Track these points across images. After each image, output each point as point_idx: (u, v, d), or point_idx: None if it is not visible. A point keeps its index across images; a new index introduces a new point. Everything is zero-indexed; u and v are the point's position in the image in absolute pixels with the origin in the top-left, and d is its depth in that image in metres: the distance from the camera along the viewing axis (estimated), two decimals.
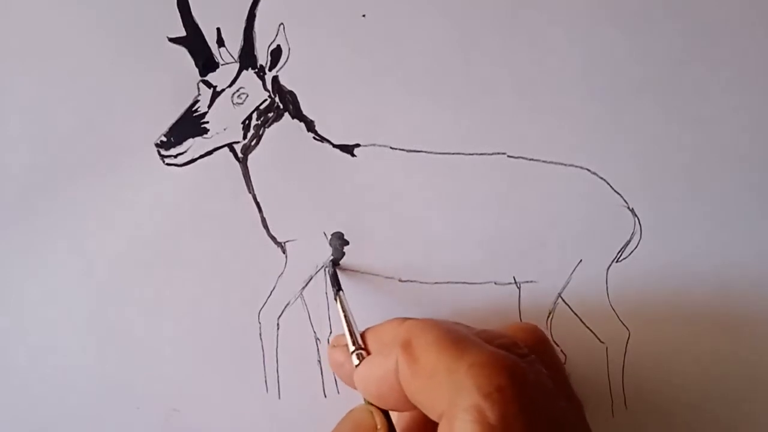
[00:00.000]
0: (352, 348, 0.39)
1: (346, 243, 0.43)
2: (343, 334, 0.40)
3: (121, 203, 0.43)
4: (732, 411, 0.43)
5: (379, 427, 0.36)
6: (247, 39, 0.43)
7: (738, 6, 0.43)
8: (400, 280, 0.43)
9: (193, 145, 0.42)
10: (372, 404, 0.37)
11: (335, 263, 0.43)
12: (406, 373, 0.33)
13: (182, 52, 0.42)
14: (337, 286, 0.41)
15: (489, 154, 0.43)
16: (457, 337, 0.33)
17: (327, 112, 0.43)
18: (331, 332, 0.43)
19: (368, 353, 0.38)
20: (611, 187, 0.43)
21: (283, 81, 0.43)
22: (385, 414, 0.37)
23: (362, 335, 0.39)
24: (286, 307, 0.43)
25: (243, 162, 0.43)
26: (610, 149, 0.43)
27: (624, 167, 0.43)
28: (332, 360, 0.41)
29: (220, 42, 0.42)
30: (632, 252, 0.43)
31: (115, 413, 0.43)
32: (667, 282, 0.43)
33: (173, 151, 0.42)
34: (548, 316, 0.43)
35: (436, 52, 0.43)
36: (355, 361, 0.38)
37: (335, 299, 0.41)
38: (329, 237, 0.43)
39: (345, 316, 0.40)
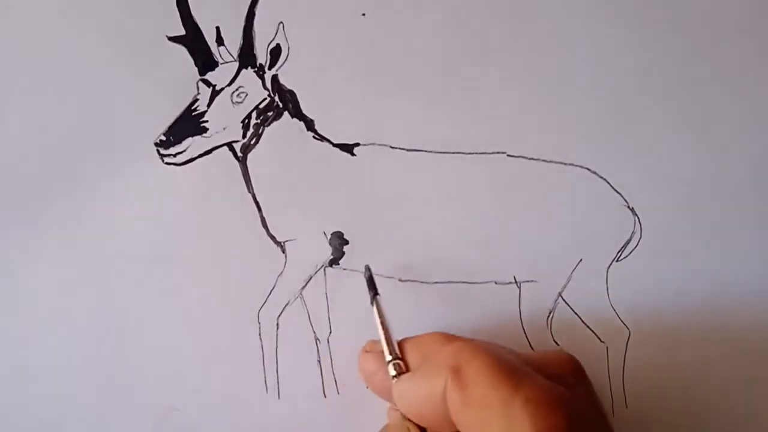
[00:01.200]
0: (389, 357, 0.38)
1: (346, 242, 0.43)
2: (377, 340, 0.39)
3: (121, 203, 0.42)
4: (733, 410, 0.43)
5: None
6: (246, 38, 0.42)
7: (739, 7, 0.43)
8: (400, 280, 0.43)
9: (193, 144, 0.42)
10: (409, 420, 0.36)
11: (368, 269, 0.42)
12: (455, 401, 0.33)
13: (182, 51, 0.42)
14: (374, 291, 0.40)
15: (489, 153, 0.43)
16: (509, 367, 0.33)
17: (326, 111, 0.43)
18: (330, 332, 0.43)
19: (406, 364, 0.38)
20: (611, 186, 0.43)
21: (282, 80, 0.43)
22: (423, 430, 0.36)
23: (399, 345, 0.38)
24: (285, 306, 0.43)
25: (242, 161, 0.43)
26: (610, 148, 0.43)
27: (624, 166, 0.43)
28: (364, 366, 0.40)
29: (220, 41, 0.42)
30: (632, 251, 0.43)
31: (115, 413, 0.42)
32: (668, 281, 0.43)
33: (172, 150, 0.42)
34: (548, 316, 0.43)
35: (436, 51, 0.43)
36: (392, 372, 0.37)
37: (371, 303, 0.40)
38: (329, 236, 0.43)
39: (382, 322, 0.39)
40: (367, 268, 0.42)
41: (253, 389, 0.43)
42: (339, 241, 0.43)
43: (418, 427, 0.36)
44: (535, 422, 0.30)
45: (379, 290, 0.41)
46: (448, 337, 0.37)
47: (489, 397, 0.32)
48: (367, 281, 0.41)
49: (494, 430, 0.31)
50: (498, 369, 0.32)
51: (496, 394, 0.31)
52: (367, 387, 0.41)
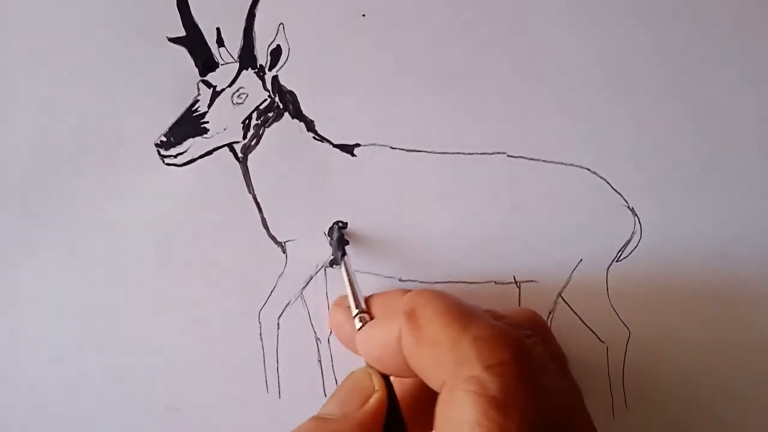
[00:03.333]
0: (355, 311, 0.39)
1: (346, 242, 0.43)
2: (347, 296, 0.40)
3: (121, 203, 0.43)
4: (734, 410, 0.43)
5: (376, 388, 0.36)
6: (246, 39, 0.43)
7: (740, 5, 0.43)
8: (400, 280, 0.43)
9: (193, 145, 0.42)
10: (372, 367, 0.37)
11: (342, 229, 0.43)
12: (409, 342, 0.33)
13: (182, 52, 0.42)
14: (342, 250, 0.41)
15: (489, 154, 0.43)
16: (462, 309, 0.33)
17: (327, 111, 0.43)
18: (331, 332, 0.43)
19: (371, 318, 0.39)
20: (611, 186, 0.43)
21: (282, 81, 0.43)
22: (386, 377, 0.37)
23: (366, 300, 0.40)
24: (286, 306, 0.43)
25: (243, 162, 0.43)
26: (610, 148, 0.43)
27: (624, 166, 0.43)
28: (333, 319, 0.42)
29: (220, 42, 0.42)
30: (632, 251, 0.43)
31: (115, 412, 0.43)
32: (668, 281, 0.43)
33: (173, 151, 0.42)
34: (548, 316, 0.43)
35: (435, 52, 0.43)
36: (358, 324, 0.39)
37: (340, 263, 0.41)
38: (331, 236, 0.43)
39: (349, 279, 0.40)
40: (338, 229, 0.43)
41: (254, 389, 0.43)
42: (339, 242, 0.43)
43: (381, 373, 0.37)
44: (482, 358, 0.31)
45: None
46: (408, 290, 0.39)
47: (440, 335, 0.32)
48: (336, 241, 0.42)
49: (445, 367, 0.32)
50: (450, 311, 0.33)
51: (447, 332, 0.32)
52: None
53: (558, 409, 0.31)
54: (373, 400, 0.36)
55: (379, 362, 0.36)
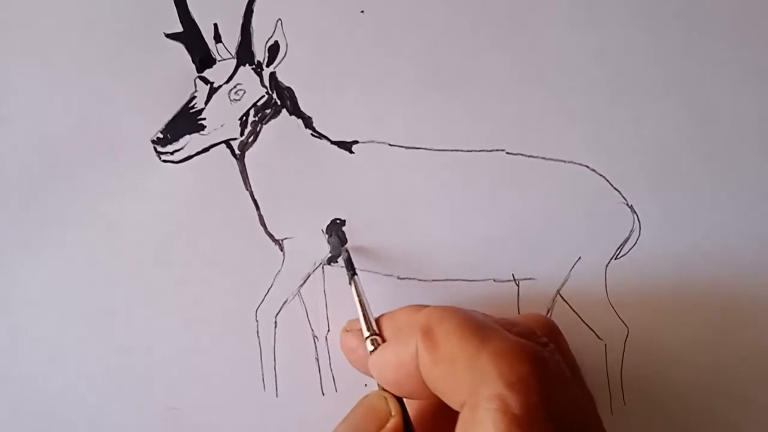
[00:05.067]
0: (366, 333, 0.39)
1: (346, 241, 0.43)
2: (357, 319, 0.40)
3: (118, 201, 0.42)
4: (732, 408, 0.43)
5: (393, 413, 0.36)
6: (244, 35, 0.42)
7: (740, 4, 0.43)
8: (399, 278, 0.43)
9: (190, 142, 0.42)
10: (386, 391, 0.37)
11: (346, 251, 0.42)
12: (426, 360, 0.33)
13: (179, 48, 0.42)
14: (351, 271, 0.41)
15: (488, 151, 0.43)
16: (478, 324, 0.33)
17: (325, 108, 0.43)
18: (328, 330, 0.43)
19: (383, 339, 0.38)
20: (610, 184, 0.43)
21: (280, 77, 0.43)
22: (400, 401, 0.37)
23: (377, 321, 0.39)
24: (283, 304, 0.43)
25: (240, 159, 0.43)
26: (609, 146, 0.43)
27: (623, 164, 0.43)
28: (345, 345, 0.41)
29: (218, 38, 0.42)
30: (631, 249, 0.43)
31: (114, 412, 0.43)
32: (666, 279, 0.43)
33: (170, 148, 0.42)
34: (547, 314, 0.43)
35: (435, 49, 0.43)
36: (370, 347, 0.38)
37: (350, 283, 0.41)
38: (329, 233, 0.43)
39: (360, 301, 0.40)
40: (345, 250, 0.42)
41: (251, 388, 0.43)
42: (337, 239, 0.43)
43: (395, 397, 0.37)
44: (501, 373, 0.30)
45: (379, 290, 0.41)
46: (420, 306, 0.38)
47: (457, 352, 0.32)
48: (345, 262, 0.42)
49: (464, 384, 0.31)
50: (466, 326, 0.33)
51: (464, 348, 0.32)
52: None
53: (576, 419, 0.31)
54: (390, 425, 0.36)
55: (395, 385, 0.36)
